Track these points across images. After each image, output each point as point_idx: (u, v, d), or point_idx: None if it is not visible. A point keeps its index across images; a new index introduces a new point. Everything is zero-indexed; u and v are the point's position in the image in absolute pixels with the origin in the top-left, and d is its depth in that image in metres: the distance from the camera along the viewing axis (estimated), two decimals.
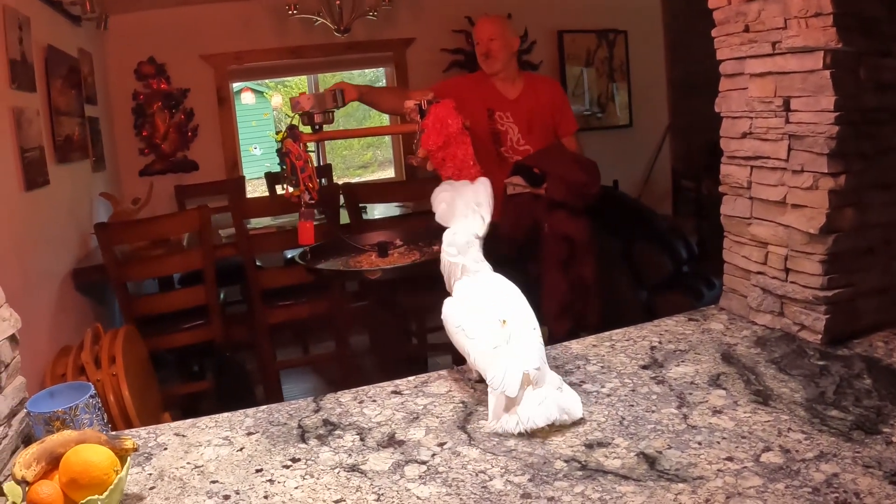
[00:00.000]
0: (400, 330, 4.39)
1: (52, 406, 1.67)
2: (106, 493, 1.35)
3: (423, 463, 1.50)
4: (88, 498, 1.34)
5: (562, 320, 3.23)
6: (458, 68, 6.50)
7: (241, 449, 1.64)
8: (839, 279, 1.89)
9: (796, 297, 1.95)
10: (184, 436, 1.74)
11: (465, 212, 1.96)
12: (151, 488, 1.50)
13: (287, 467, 1.53)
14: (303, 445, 1.63)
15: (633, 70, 7.26)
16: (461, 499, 1.35)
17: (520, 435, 1.57)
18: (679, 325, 2.16)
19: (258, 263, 4.38)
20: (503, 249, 3.33)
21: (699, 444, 1.46)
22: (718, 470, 1.36)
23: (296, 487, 1.45)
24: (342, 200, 4.44)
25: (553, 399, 1.61)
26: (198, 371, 4.69)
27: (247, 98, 10.26)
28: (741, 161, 2.10)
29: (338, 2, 5.81)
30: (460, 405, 1.76)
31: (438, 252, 3.02)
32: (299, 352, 5.28)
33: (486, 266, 1.94)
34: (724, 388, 1.71)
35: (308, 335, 5.28)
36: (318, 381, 5.08)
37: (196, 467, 1.57)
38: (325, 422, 1.74)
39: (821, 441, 1.43)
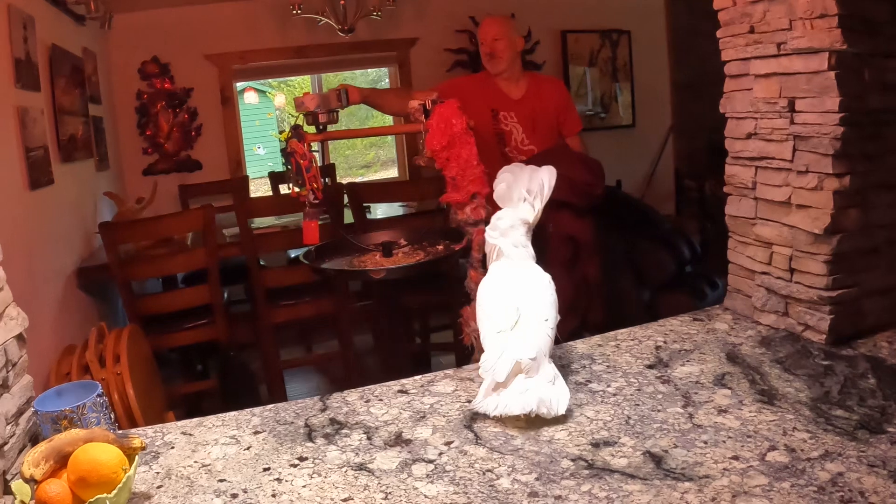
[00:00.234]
0: (403, 329, 4.40)
1: (59, 405, 1.67)
2: (114, 492, 1.36)
3: (431, 462, 1.51)
4: (97, 496, 1.34)
5: (566, 320, 3.22)
6: (462, 68, 6.50)
7: (248, 448, 1.64)
8: (844, 279, 1.89)
9: (801, 297, 1.95)
10: (190, 435, 1.74)
11: (520, 196, 1.95)
12: (159, 487, 1.50)
13: (294, 466, 1.54)
14: (310, 444, 1.63)
15: (637, 70, 7.25)
16: (468, 497, 1.36)
17: (521, 431, 1.58)
18: (684, 324, 2.16)
19: (262, 263, 4.38)
20: None
21: (705, 443, 1.47)
22: (724, 469, 1.37)
23: (304, 486, 1.45)
24: (346, 200, 4.45)
25: (536, 391, 1.63)
26: (201, 370, 4.70)
27: (250, 98, 10.28)
28: (746, 161, 2.11)
29: (342, 1, 5.81)
30: (467, 404, 1.77)
31: (443, 252, 3.05)
32: (303, 351, 5.29)
33: (527, 253, 1.93)
34: (730, 388, 1.72)
35: (311, 335, 5.29)
36: (321, 380, 5.08)
37: (203, 466, 1.58)
38: (332, 421, 1.74)
39: (826, 440, 1.44)
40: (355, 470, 1.50)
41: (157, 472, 1.57)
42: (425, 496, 1.37)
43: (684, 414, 1.61)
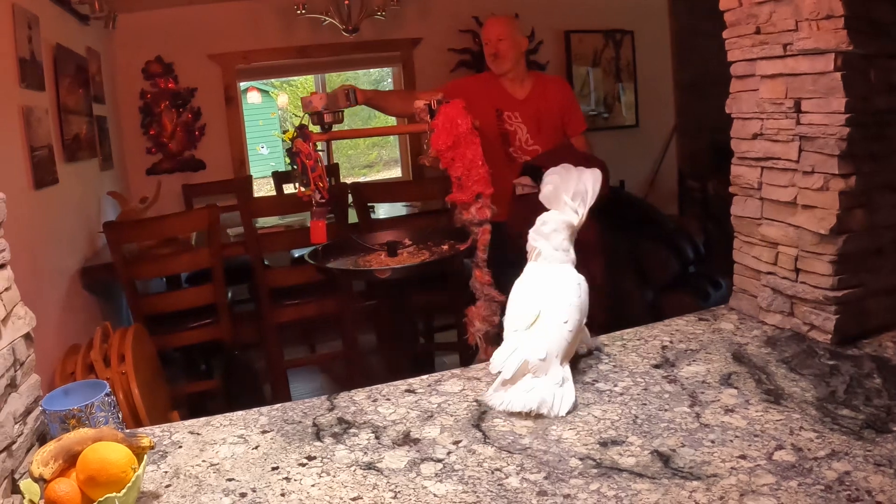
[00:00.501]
0: (408, 329, 4.40)
1: (67, 404, 1.67)
2: (123, 491, 1.36)
3: (439, 461, 1.51)
4: (106, 496, 1.35)
5: None
6: (466, 68, 6.50)
7: (256, 447, 1.65)
8: (849, 279, 1.90)
9: (806, 297, 1.96)
10: (198, 434, 1.75)
11: (566, 199, 1.97)
12: (167, 486, 1.51)
13: (303, 465, 1.54)
14: (318, 443, 1.64)
15: (640, 70, 7.25)
16: (477, 496, 1.36)
17: (529, 430, 1.59)
18: (689, 324, 2.17)
19: (266, 262, 4.39)
20: (513, 249, 3.34)
21: (712, 442, 1.47)
22: (732, 468, 1.37)
23: (312, 485, 1.46)
24: (350, 200, 4.45)
25: (539, 391, 1.67)
26: (205, 370, 4.70)
27: (253, 97, 10.28)
28: (752, 162, 2.11)
29: (346, 1, 5.82)
30: (474, 404, 1.77)
31: (448, 252, 3.05)
32: (307, 351, 5.30)
33: (566, 257, 1.95)
34: (736, 388, 1.72)
35: (315, 334, 5.30)
36: (325, 380, 5.09)
37: (212, 465, 1.58)
38: (340, 420, 1.75)
39: (832, 440, 1.44)
40: (364, 469, 1.50)
41: (166, 472, 1.57)
42: (434, 495, 1.38)
43: (691, 413, 1.61)
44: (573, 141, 3.74)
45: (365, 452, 1.58)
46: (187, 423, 1.82)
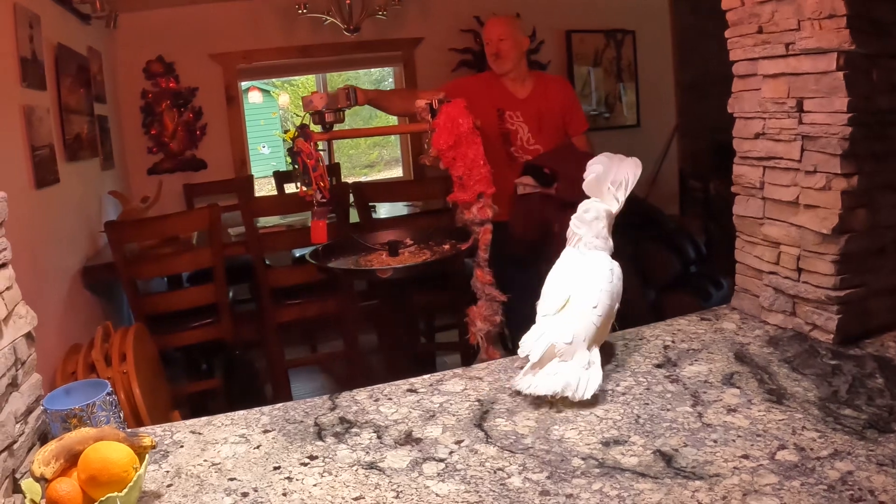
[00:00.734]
0: (409, 329, 4.40)
1: (68, 403, 1.67)
2: (125, 491, 1.36)
3: (441, 460, 1.51)
4: (108, 495, 1.34)
5: None
6: (467, 68, 6.50)
7: (258, 447, 1.65)
8: (851, 279, 1.89)
9: (808, 296, 1.96)
10: (200, 433, 1.75)
11: (607, 188, 2.00)
12: (169, 486, 1.51)
13: (305, 465, 1.54)
14: (320, 443, 1.64)
15: (641, 70, 7.25)
16: (480, 496, 1.36)
17: (531, 430, 1.58)
18: (691, 324, 2.17)
19: (267, 262, 4.39)
20: (514, 249, 3.35)
21: (715, 441, 1.47)
22: (734, 468, 1.37)
23: (314, 485, 1.46)
24: (351, 199, 4.45)
25: (565, 375, 1.69)
26: (206, 369, 4.70)
27: (254, 97, 10.29)
28: (754, 161, 2.11)
29: (348, 1, 5.81)
30: (476, 403, 1.77)
31: (449, 252, 3.05)
32: (308, 350, 5.29)
33: (605, 244, 1.97)
34: (738, 387, 1.72)
35: (316, 334, 5.29)
36: (326, 379, 5.09)
37: (213, 465, 1.58)
38: (342, 420, 1.75)
39: (835, 439, 1.44)
40: (366, 469, 1.50)
41: (167, 471, 1.57)
42: (437, 495, 1.38)
43: (694, 413, 1.61)
44: (574, 141, 3.73)
45: (367, 452, 1.57)
46: (189, 422, 1.82)
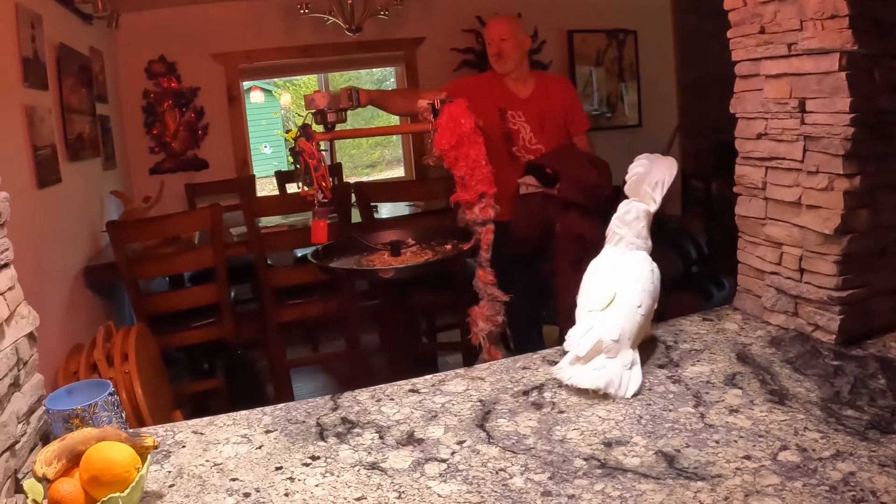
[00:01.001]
0: (410, 329, 4.40)
1: (70, 404, 1.67)
2: (127, 491, 1.36)
3: (443, 461, 1.51)
4: (110, 496, 1.34)
5: (574, 319, 3.24)
6: (469, 68, 6.50)
7: (259, 447, 1.65)
8: (853, 280, 1.89)
9: (811, 297, 1.95)
10: (202, 434, 1.75)
11: (646, 189, 2.02)
12: (171, 486, 1.51)
13: (307, 465, 1.54)
14: (322, 443, 1.64)
15: (643, 70, 7.24)
16: (482, 496, 1.36)
17: (533, 431, 1.58)
18: (693, 324, 2.17)
19: (269, 262, 4.39)
20: (516, 249, 3.35)
21: (717, 442, 1.47)
22: (736, 468, 1.37)
23: (316, 485, 1.46)
24: (353, 199, 4.45)
25: (608, 371, 1.73)
26: (208, 369, 4.70)
27: (256, 97, 10.29)
28: (756, 162, 2.11)
29: (349, 1, 5.81)
30: (478, 404, 1.77)
31: (451, 252, 3.05)
32: (309, 350, 5.30)
33: (644, 244, 2.02)
34: (740, 388, 1.72)
35: (318, 334, 5.29)
36: (328, 379, 5.09)
37: (215, 465, 1.58)
38: (344, 420, 1.75)
39: (837, 440, 1.44)
40: (368, 469, 1.50)
41: (169, 471, 1.57)
42: (438, 495, 1.38)
43: (696, 413, 1.61)
44: (575, 140, 3.73)
45: (369, 452, 1.57)
46: (191, 422, 1.82)
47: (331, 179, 2.91)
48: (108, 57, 5.44)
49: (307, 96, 2.89)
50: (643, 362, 1.89)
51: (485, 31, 3.82)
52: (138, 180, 5.96)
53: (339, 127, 2.97)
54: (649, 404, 1.68)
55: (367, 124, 9.25)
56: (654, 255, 2.05)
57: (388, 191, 5.24)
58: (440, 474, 1.45)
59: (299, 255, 4.96)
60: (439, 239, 3.23)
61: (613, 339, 1.76)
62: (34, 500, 1.38)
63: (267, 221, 5.02)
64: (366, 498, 1.39)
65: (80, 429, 1.55)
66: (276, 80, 10.70)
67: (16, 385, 1.60)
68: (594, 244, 3.21)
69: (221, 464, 1.58)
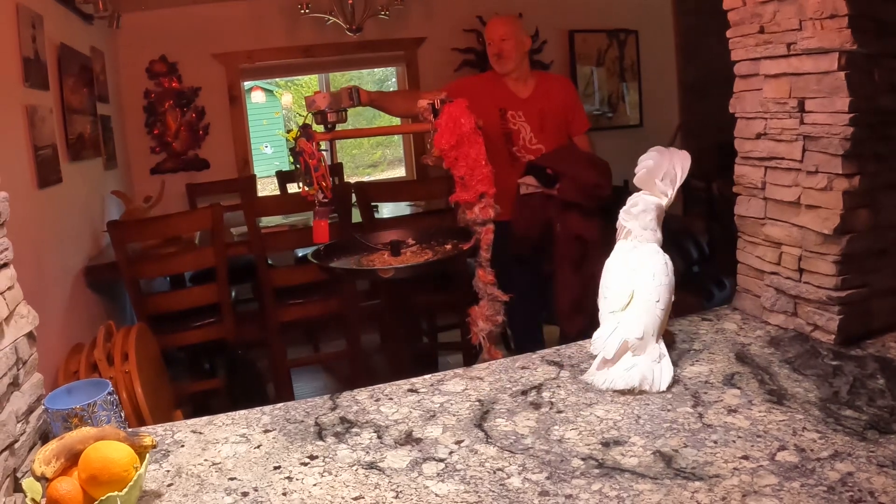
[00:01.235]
0: (411, 329, 4.40)
1: (69, 403, 1.68)
2: (125, 490, 1.36)
3: (441, 460, 1.51)
4: (108, 495, 1.35)
5: (575, 319, 3.24)
6: (469, 68, 6.50)
7: (258, 446, 1.65)
8: (853, 280, 1.89)
9: (810, 297, 1.95)
10: (201, 433, 1.75)
11: (656, 182, 2.02)
12: (170, 485, 1.51)
13: (305, 464, 1.54)
14: (320, 443, 1.64)
15: (644, 70, 7.24)
16: (479, 496, 1.36)
17: (531, 430, 1.59)
18: (693, 324, 2.16)
19: (270, 262, 4.39)
20: (516, 248, 3.35)
21: (715, 442, 1.47)
22: (734, 468, 1.37)
23: (314, 484, 1.46)
24: (354, 199, 4.45)
25: (640, 368, 1.75)
26: (209, 369, 4.70)
27: (257, 97, 10.30)
28: (755, 162, 2.11)
29: (350, 1, 5.82)
30: (476, 403, 1.77)
31: (451, 251, 3.05)
32: (310, 350, 5.29)
33: (654, 237, 2.01)
34: (739, 388, 1.72)
35: (319, 333, 5.29)
36: (328, 379, 5.09)
37: (214, 464, 1.58)
38: (342, 419, 1.75)
39: (835, 440, 1.44)
40: (366, 468, 1.50)
41: (168, 471, 1.57)
42: (436, 495, 1.38)
43: (694, 413, 1.61)
44: (575, 140, 3.74)
45: (367, 452, 1.57)
46: (189, 422, 1.82)
47: (331, 179, 2.91)
48: (109, 57, 5.44)
49: (308, 97, 2.89)
50: None
51: (485, 30, 3.82)
52: (139, 180, 5.96)
53: (339, 127, 2.97)
54: (647, 404, 1.68)
55: (368, 124, 9.26)
56: None
57: (389, 191, 5.24)
58: (438, 474, 1.45)
59: (300, 254, 4.96)
60: (439, 239, 3.23)
61: (638, 338, 1.78)
62: (33, 499, 1.38)
63: (267, 221, 5.03)
64: (363, 497, 1.39)
65: (78, 428, 1.55)
66: (277, 80, 10.70)
67: (15, 384, 1.61)
68: (594, 244, 3.24)
69: (220, 463, 1.58)
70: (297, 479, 1.48)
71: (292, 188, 5.89)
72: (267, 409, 1.85)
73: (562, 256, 3.27)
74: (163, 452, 1.66)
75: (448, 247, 3.14)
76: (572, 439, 1.54)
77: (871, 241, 1.90)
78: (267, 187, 8.54)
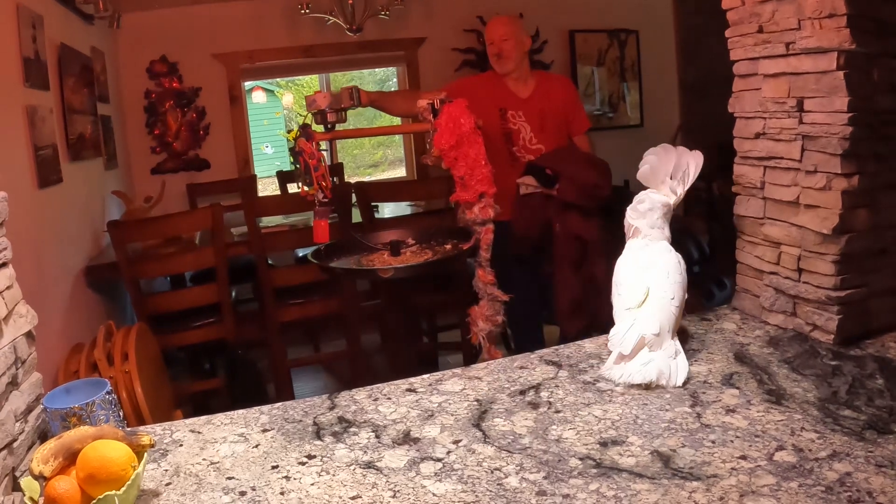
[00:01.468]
0: (411, 329, 4.40)
1: (68, 402, 1.68)
2: (123, 489, 1.36)
3: (439, 460, 1.51)
4: (106, 493, 1.35)
5: (574, 319, 3.24)
6: (470, 68, 6.50)
7: (256, 446, 1.65)
8: (852, 279, 1.89)
9: (809, 297, 1.95)
10: (199, 432, 1.75)
11: (663, 179, 2.05)
12: (168, 484, 1.51)
13: (303, 464, 1.54)
14: (318, 442, 1.64)
15: (645, 70, 7.24)
16: (476, 496, 1.36)
17: (529, 430, 1.59)
18: (692, 324, 2.16)
19: (270, 262, 4.39)
20: (516, 248, 3.35)
21: (713, 442, 1.47)
22: (732, 468, 1.37)
23: (312, 484, 1.46)
24: (354, 199, 4.45)
25: (657, 364, 1.77)
26: (209, 369, 4.71)
27: (258, 97, 10.31)
28: (754, 161, 2.11)
29: (350, 1, 5.82)
30: (475, 403, 1.77)
31: (451, 251, 3.05)
32: (310, 350, 5.29)
33: (663, 234, 2.02)
34: (737, 388, 1.72)
35: (319, 333, 5.29)
36: (328, 379, 5.09)
37: (212, 464, 1.58)
38: (341, 419, 1.75)
39: (834, 440, 1.44)
40: (363, 468, 1.50)
41: (166, 470, 1.57)
42: (433, 494, 1.38)
43: (692, 413, 1.61)
44: (575, 140, 3.74)
45: (365, 451, 1.57)
46: (188, 421, 1.83)
47: (331, 179, 2.91)
48: (110, 57, 5.44)
49: (308, 96, 2.89)
50: None
51: (485, 30, 3.82)
52: (140, 180, 5.97)
53: (339, 127, 2.97)
54: (645, 404, 1.67)
55: (369, 124, 9.26)
56: None
57: (389, 190, 5.24)
58: (435, 473, 1.45)
59: (300, 254, 4.96)
60: (439, 239, 3.23)
61: (654, 334, 1.80)
62: (31, 498, 1.38)
63: (268, 221, 5.03)
64: (361, 497, 1.39)
65: (77, 427, 1.55)
66: (278, 80, 10.71)
67: (14, 384, 1.61)
68: (594, 244, 3.24)
69: (218, 462, 1.58)
70: (294, 479, 1.48)
71: (293, 188, 5.90)
72: (265, 408, 1.85)
73: (561, 256, 3.27)
74: (161, 452, 1.66)
75: (448, 247, 3.14)
76: (570, 439, 1.54)
77: (871, 241, 1.90)
78: (268, 187, 8.55)
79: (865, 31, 1.76)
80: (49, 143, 3.57)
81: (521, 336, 3.80)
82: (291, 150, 2.91)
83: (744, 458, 1.40)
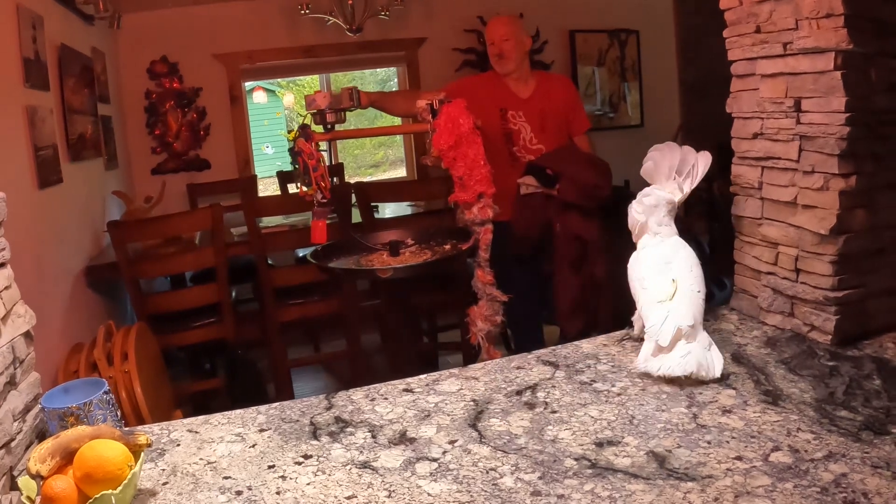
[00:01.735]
0: (411, 329, 4.40)
1: (66, 402, 1.68)
2: (120, 488, 1.36)
3: (434, 460, 1.51)
4: (102, 493, 1.35)
5: (574, 319, 3.24)
6: (470, 68, 6.50)
7: (253, 445, 1.65)
8: (850, 280, 1.89)
9: (807, 297, 1.95)
10: (196, 432, 1.75)
11: (668, 175, 2.06)
12: (164, 484, 1.51)
13: (299, 464, 1.55)
14: (315, 442, 1.64)
15: (645, 70, 7.24)
16: (472, 496, 1.36)
17: (525, 430, 1.59)
18: None
19: (270, 262, 4.39)
20: (516, 248, 3.35)
21: (708, 443, 1.47)
22: (727, 469, 1.37)
23: (308, 483, 1.46)
24: (354, 199, 4.45)
25: (696, 355, 1.77)
26: (209, 369, 4.71)
27: (259, 97, 10.31)
28: (752, 162, 2.10)
29: (350, 1, 5.82)
30: (471, 403, 1.77)
31: (450, 251, 3.05)
32: (310, 350, 5.29)
33: (670, 230, 2.03)
34: (734, 388, 1.72)
35: (319, 333, 5.30)
36: (328, 379, 5.09)
37: (209, 463, 1.58)
38: (337, 419, 1.75)
39: (830, 441, 1.44)
40: (359, 468, 1.50)
41: (163, 469, 1.57)
42: (429, 494, 1.38)
43: (688, 414, 1.61)
44: (576, 140, 3.74)
45: (361, 451, 1.58)
46: (186, 421, 1.83)
47: (330, 179, 2.91)
48: (110, 57, 5.45)
49: (308, 96, 2.89)
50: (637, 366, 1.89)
51: (486, 31, 3.82)
52: (140, 180, 5.97)
53: (338, 127, 2.97)
54: (642, 404, 1.68)
55: (370, 124, 9.26)
56: None
57: (388, 191, 5.24)
58: (430, 473, 1.46)
59: (300, 254, 4.97)
60: (438, 239, 3.23)
61: (690, 325, 1.80)
62: (28, 497, 1.38)
63: (268, 221, 5.03)
64: (356, 497, 1.39)
65: (74, 427, 1.56)
66: (279, 80, 10.72)
67: (12, 383, 1.61)
68: (594, 244, 3.24)
69: (215, 462, 1.59)
70: (290, 479, 1.49)
71: (293, 188, 5.89)
72: (263, 408, 1.86)
73: (561, 257, 3.27)
74: (158, 451, 1.66)
75: (447, 247, 3.14)
76: (566, 439, 1.54)
77: (868, 242, 1.89)
78: (268, 187, 8.55)
79: (863, 31, 1.76)
80: (49, 144, 3.58)
81: (521, 336, 3.80)
82: (290, 150, 2.91)
83: (739, 458, 1.40)
